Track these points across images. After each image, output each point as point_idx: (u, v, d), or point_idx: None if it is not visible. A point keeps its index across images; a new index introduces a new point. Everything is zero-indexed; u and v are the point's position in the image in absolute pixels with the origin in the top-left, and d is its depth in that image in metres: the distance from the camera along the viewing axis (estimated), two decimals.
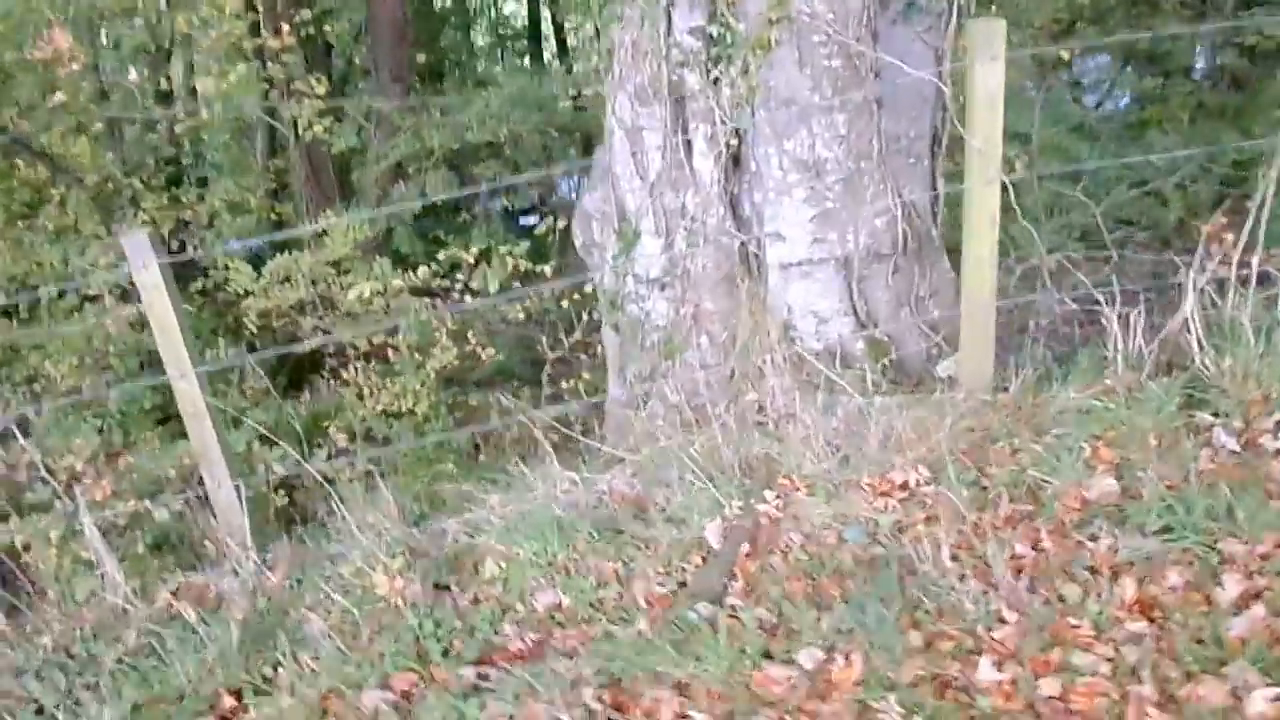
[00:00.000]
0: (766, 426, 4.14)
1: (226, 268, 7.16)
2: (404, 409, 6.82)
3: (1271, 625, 2.43)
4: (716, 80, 4.20)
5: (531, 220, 12.84)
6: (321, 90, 8.05)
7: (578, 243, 5.13)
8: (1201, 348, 3.58)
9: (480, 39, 20.61)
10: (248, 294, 7.34)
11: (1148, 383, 3.56)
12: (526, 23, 20.99)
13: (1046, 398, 3.80)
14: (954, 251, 4.41)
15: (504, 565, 3.57)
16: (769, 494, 3.59)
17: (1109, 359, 3.84)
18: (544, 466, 4.23)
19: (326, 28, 8.51)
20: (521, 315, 7.60)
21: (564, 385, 6.47)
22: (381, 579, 3.49)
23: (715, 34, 4.12)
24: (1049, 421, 3.64)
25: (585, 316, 6.84)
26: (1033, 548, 2.97)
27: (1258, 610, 2.46)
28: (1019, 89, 8.07)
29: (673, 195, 4.35)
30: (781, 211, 4.29)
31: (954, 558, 2.98)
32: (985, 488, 3.33)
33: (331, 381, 7.20)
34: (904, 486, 3.48)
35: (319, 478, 4.34)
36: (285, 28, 8.01)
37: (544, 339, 7.52)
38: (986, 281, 3.87)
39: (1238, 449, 3.14)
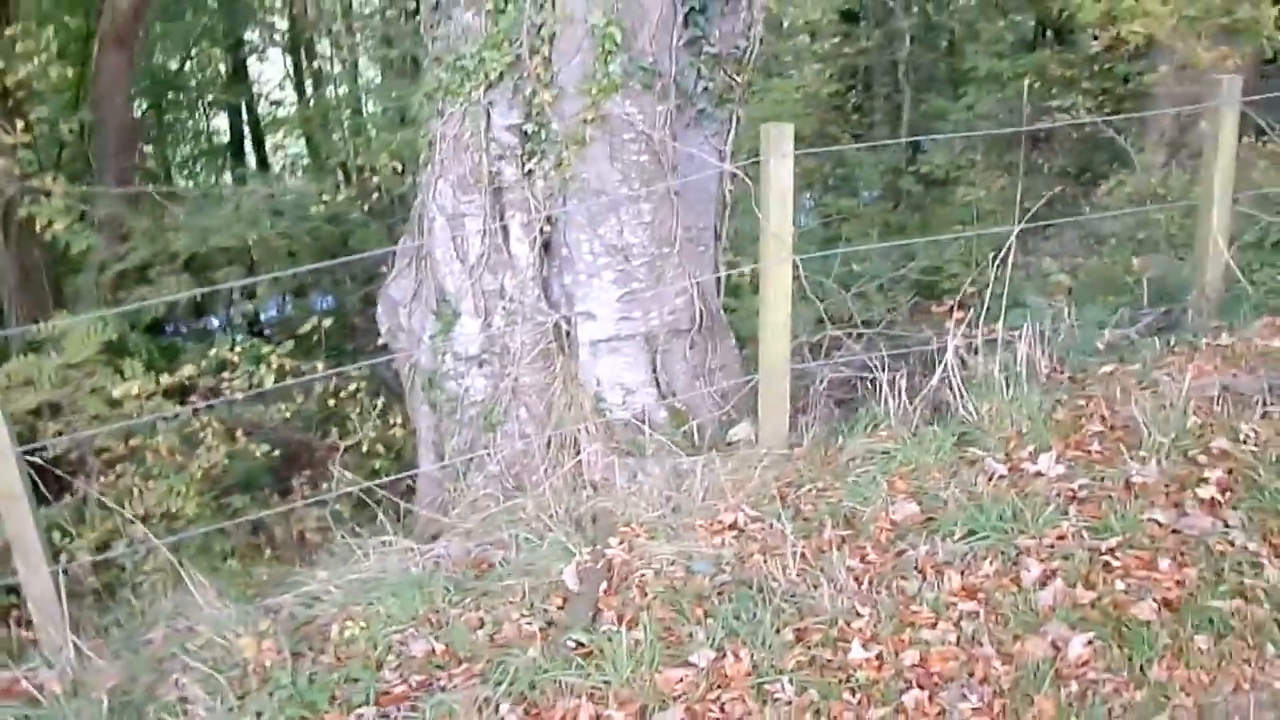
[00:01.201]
0: (587, 489, 4.48)
1: None
2: (171, 510, 6.60)
3: (1070, 594, 3.02)
4: (530, 172, 4.60)
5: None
6: (60, 189, 7.80)
7: (382, 328, 5.33)
8: (961, 398, 4.27)
9: (177, 151, 20.14)
10: None
11: (924, 428, 4.19)
12: (228, 137, 20.72)
13: (836, 448, 4.38)
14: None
15: (364, 624, 3.67)
16: (614, 540, 3.91)
17: (882, 414, 4.48)
18: (371, 538, 4.36)
19: (64, 126, 8.24)
20: (287, 415, 7.57)
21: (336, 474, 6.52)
22: (248, 642, 3.51)
23: (530, 131, 4.54)
24: (844, 467, 4.20)
25: (370, 403, 6.98)
26: (861, 560, 3.46)
27: (1058, 584, 3.05)
28: None
29: (491, 277, 4.68)
30: (592, 292, 4.70)
31: (799, 574, 3.42)
32: (807, 519, 3.80)
33: (83, 488, 6.86)
34: (733, 526, 3.89)
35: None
36: (20, 123, 7.73)
37: (321, 432, 7.55)
38: (782, 348, 4.43)
39: (1005, 473, 3.79)
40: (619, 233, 4.62)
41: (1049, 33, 16.22)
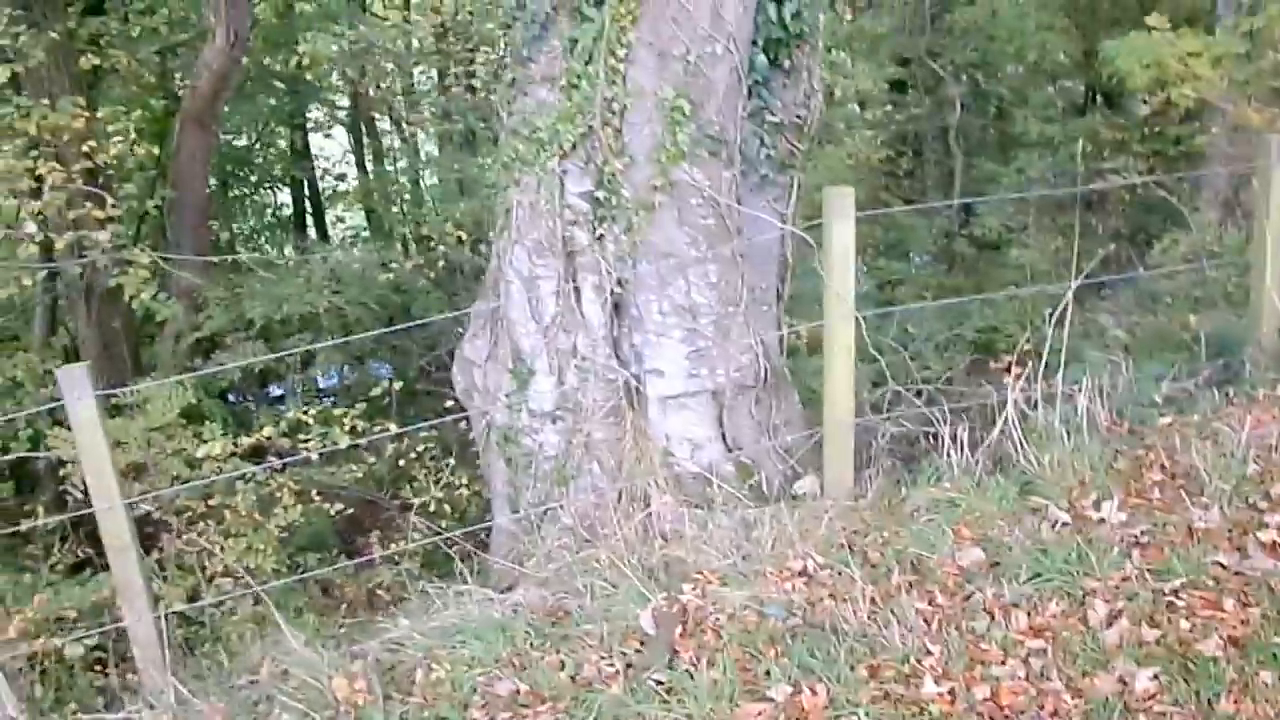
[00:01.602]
0: (657, 539, 4.64)
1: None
2: (249, 566, 6.84)
3: (1135, 632, 3.12)
4: (600, 237, 4.83)
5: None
6: (146, 260, 8.19)
7: (458, 388, 5.55)
8: (1023, 449, 4.39)
9: (244, 224, 20.79)
10: (65, 463, 7.23)
11: (987, 479, 4.32)
12: (291, 210, 21.36)
13: (900, 499, 4.50)
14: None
15: (449, 667, 3.83)
16: (687, 587, 4.06)
17: (945, 467, 4.61)
18: (450, 589, 4.55)
19: (150, 200, 8.67)
20: (359, 475, 7.83)
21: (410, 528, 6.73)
22: (341, 683, 3.69)
23: (601, 198, 4.77)
24: (908, 516, 4.32)
25: (435, 464, 7.20)
26: (930, 603, 3.58)
27: (1123, 623, 3.16)
28: None
29: (565, 337, 4.89)
30: (660, 350, 4.90)
31: (870, 615, 3.54)
32: (875, 565, 3.93)
33: (168, 545, 7.12)
34: (803, 573, 4.03)
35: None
36: (109, 199, 8.15)
37: (391, 493, 7.78)
38: (846, 402, 4.59)
39: (1069, 520, 3.90)
40: (686, 293, 4.82)
41: (1098, 97, 16.45)
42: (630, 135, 4.65)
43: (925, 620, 3.44)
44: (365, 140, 20.57)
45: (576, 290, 4.87)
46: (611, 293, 4.87)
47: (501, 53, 10.22)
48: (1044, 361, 4.94)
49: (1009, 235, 11.13)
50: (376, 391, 7.96)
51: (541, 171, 4.77)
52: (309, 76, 17.71)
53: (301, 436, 7.33)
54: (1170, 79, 7.02)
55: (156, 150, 9.34)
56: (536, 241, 4.84)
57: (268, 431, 7.10)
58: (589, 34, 4.56)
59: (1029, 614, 3.33)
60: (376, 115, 19.49)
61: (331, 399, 11.38)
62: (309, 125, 20.15)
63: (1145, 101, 7.84)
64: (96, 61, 8.90)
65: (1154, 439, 4.35)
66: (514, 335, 4.98)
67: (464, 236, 9.54)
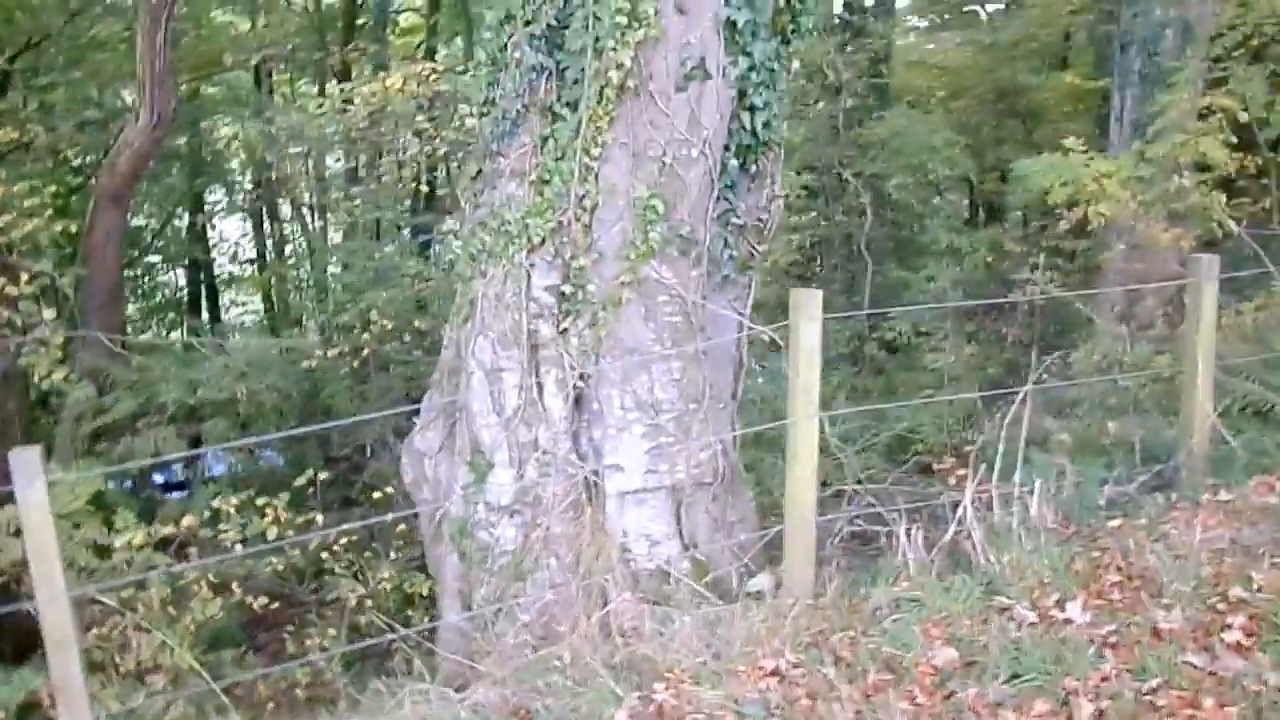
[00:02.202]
0: (615, 637, 4.59)
1: None
2: (165, 663, 6.51)
3: None
4: (564, 331, 4.85)
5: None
6: (59, 339, 7.90)
7: (406, 479, 5.46)
8: (982, 550, 4.49)
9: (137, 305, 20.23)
10: None
11: (950, 577, 4.39)
12: (187, 293, 20.89)
13: (861, 597, 4.55)
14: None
15: None
16: (658, 686, 4.01)
17: (901, 564, 4.68)
18: (408, 686, 4.41)
19: (63, 278, 8.39)
20: (279, 568, 7.57)
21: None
22: None
23: (567, 292, 4.81)
24: (871, 615, 4.36)
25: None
26: (911, 703, 3.60)
27: None
28: None
29: (526, 430, 4.86)
30: (621, 445, 4.90)
31: (854, 716, 3.55)
32: (849, 665, 3.94)
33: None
34: (775, 672, 4.01)
35: None
36: (24, 275, 7.87)
37: (314, 586, 7.53)
38: (807, 500, 4.64)
39: (1036, 620, 3.98)
40: (650, 389, 4.86)
41: (980, 211, 17.24)
42: (600, 232, 4.72)
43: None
44: (267, 225, 20.36)
45: (539, 384, 4.87)
46: (574, 387, 4.88)
47: (424, 144, 10.32)
48: (983, 464, 5.09)
49: (918, 339, 11.46)
50: (301, 481, 7.73)
51: (509, 264, 4.79)
52: (227, 158, 17.57)
53: (223, 526, 7.07)
54: (1086, 197, 7.41)
55: (74, 228, 9.06)
56: (501, 333, 4.83)
57: (188, 521, 6.82)
58: (564, 132, 4.64)
59: (1016, 713, 3.38)
60: (281, 200, 19.33)
61: (231, 487, 10.99)
62: (209, 208, 19.88)
63: (1060, 218, 8.24)
64: (15, 135, 8.66)
65: (1107, 541, 4.49)
66: (474, 427, 4.93)
67: (388, 325, 9.43)
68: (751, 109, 4.61)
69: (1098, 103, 15.90)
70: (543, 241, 4.75)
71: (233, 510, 7.23)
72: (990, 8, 18.73)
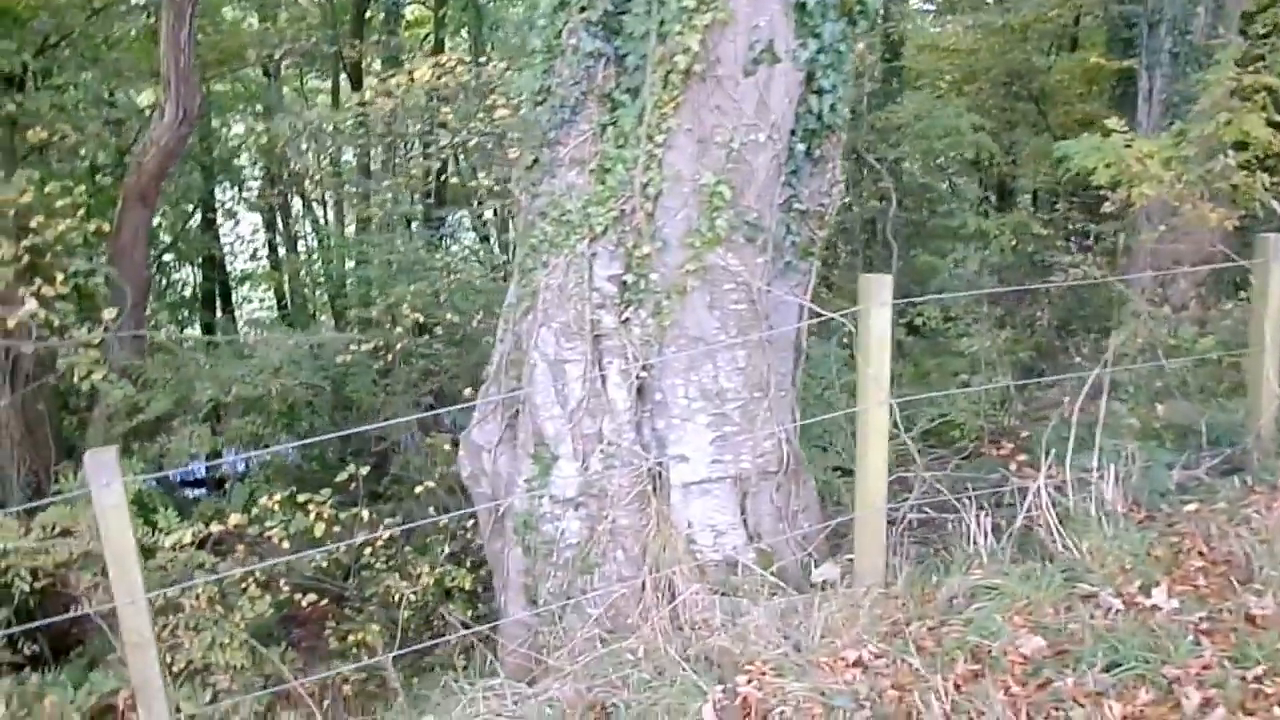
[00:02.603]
0: (686, 629, 4.54)
1: None
2: (216, 662, 6.47)
3: (1234, 718, 3.13)
4: (626, 320, 4.79)
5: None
6: (97, 339, 7.85)
7: (464, 473, 5.41)
8: (1060, 535, 4.43)
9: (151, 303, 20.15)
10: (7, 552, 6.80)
11: (1023, 564, 4.34)
12: (200, 290, 20.80)
13: (933, 586, 4.49)
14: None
15: None
16: (741, 678, 3.96)
17: (972, 551, 4.63)
18: (480, 683, 4.37)
19: (94, 278, 8.32)
20: (324, 564, 7.53)
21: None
22: None
23: (630, 281, 4.75)
24: (947, 604, 4.31)
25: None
26: (1005, 693, 3.55)
27: (1220, 712, 3.17)
28: None
29: (590, 421, 4.81)
30: (685, 435, 4.85)
31: (951, 707, 3.50)
32: (933, 655, 3.89)
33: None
34: (858, 663, 3.97)
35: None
36: (59, 276, 7.81)
37: (357, 582, 7.49)
38: (879, 488, 4.58)
39: (1121, 607, 3.93)
40: (714, 378, 4.80)
41: (992, 194, 17.15)
42: (664, 219, 4.65)
43: (1012, 711, 3.40)
44: (279, 221, 20.29)
45: (602, 375, 4.81)
46: (637, 377, 4.82)
47: (452, 136, 10.24)
48: (1052, 449, 5.03)
49: (946, 325, 11.39)
50: (342, 477, 7.68)
51: (571, 254, 4.73)
52: (238, 154, 17.51)
53: (269, 524, 7.03)
54: (1129, 178, 7.33)
55: (106, 226, 9.00)
56: (564, 324, 4.77)
57: (235, 520, 6.78)
58: (627, 119, 4.58)
59: (1119, 702, 3.33)
60: (294, 195, 19.28)
61: (266, 483, 10.96)
62: (222, 204, 19.82)
63: (1105, 199, 8.17)
64: (45, 135, 8.60)
65: (1185, 526, 4.43)
66: (537, 420, 4.87)
67: (420, 319, 9.37)
68: (819, 92, 4.54)
69: (1112, 83, 15.81)
70: (605, 230, 4.69)
71: (275, 507, 7.19)
72: None
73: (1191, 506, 4.59)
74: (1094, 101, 16.70)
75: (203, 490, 13.04)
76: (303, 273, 17.17)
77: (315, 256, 18.48)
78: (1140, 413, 6.93)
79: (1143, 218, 10.84)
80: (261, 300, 20.79)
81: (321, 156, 15.70)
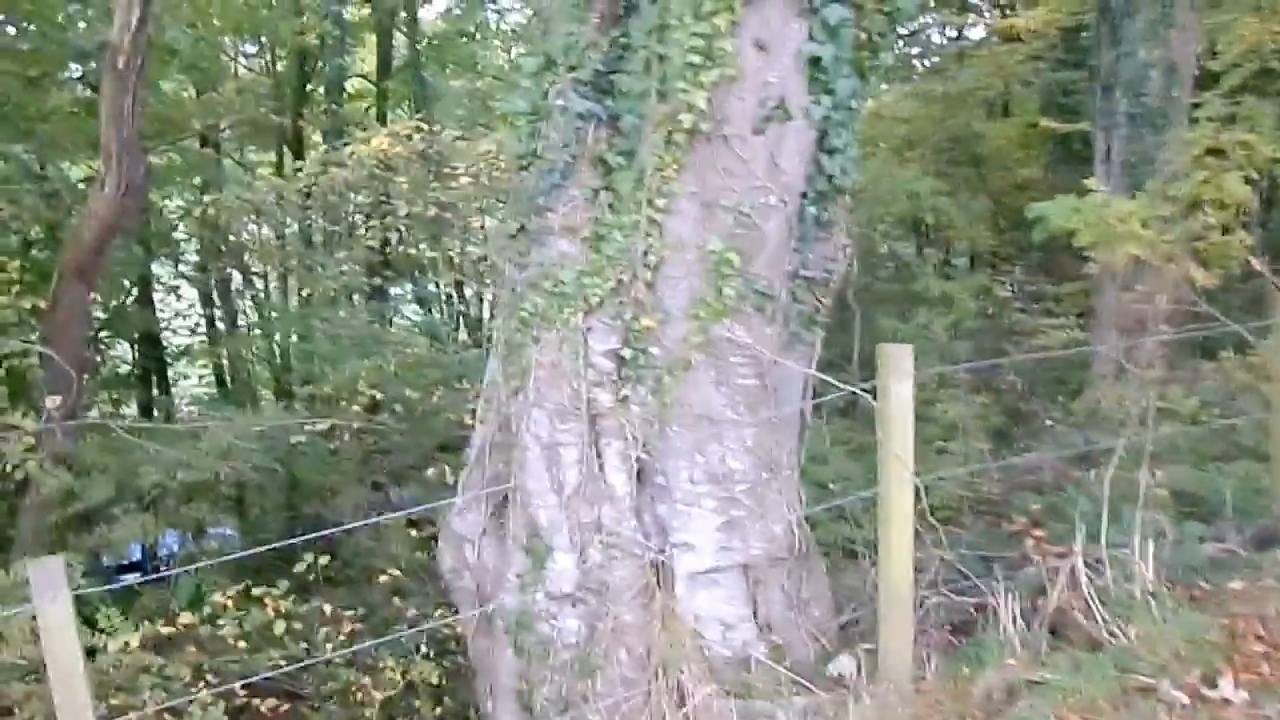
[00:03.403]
0: None
1: None
2: None
3: None
4: (624, 398, 4.44)
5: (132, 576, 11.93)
6: (31, 425, 7.32)
7: (444, 566, 4.99)
8: (1102, 620, 4.11)
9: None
10: None
11: (1070, 654, 4.01)
12: (137, 368, 20.05)
13: (965, 680, 4.15)
14: None
15: None
16: None
17: (1002, 639, 4.30)
18: None
19: (32, 360, 7.80)
20: (283, 664, 6.98)
21: None
22: None
23: (628, 356, 4.40)
24: (987, 700, 3.96)
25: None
26: None
27: None
28: None
29: (587, 509, 4.43)
30: (690, 521, 4.48)
31: None
32: None
33: None
34: None
35: None
36: None
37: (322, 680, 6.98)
38: (904, 576, 4.24)
39: (1187, 702, 3.61)
40: (721, 459, 4.46)
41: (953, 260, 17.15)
42: (665, 290, 4.33)
43: None
44: (216, 296, 19.68)
45: (599, 458, 4.44)
46: (637, 459, 4.46)
47: (411, 207, 9.90)
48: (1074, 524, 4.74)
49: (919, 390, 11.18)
50: (301, 568, 7.18)
51: (564, 328, 4.38)
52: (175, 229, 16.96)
53: (221, 622, 6.51)
54: (1113, 239, 7.17)
55: (42, 303, 8.47)
56: (558, 404, 4.41)
57: (186, 619, 6.26)
58: (624, 183, 4.26)
59: None
60: (233, 269, 18.71)
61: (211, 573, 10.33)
62: (158, 279, 19.19)
63: (1086, 259, 8.02)
64: None
65: (1233, 605, 4.15)
66: (530, 508, 4.48)
67: (378, 397, 8.93)
68: (831, 151, 4.26)
69: (1049, 147, 16.12)
70: (601, 302, 4.35)
71: (229, 604, 6.67)
72: (928, 61, 19.05)
73: (1236, 584, 4.31)
74: (1030, 165, 16.97)
75: (137, 576, 12.34)
76: (245, 350, 16.55)
77: (257, 331, 17.87)
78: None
79: (1106, 279, 10.80)
80: (201, 377, 20.03)
81: (266, 229, 15.20)
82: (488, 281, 10.59)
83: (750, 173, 4.13)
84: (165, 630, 6.11)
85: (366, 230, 11.21)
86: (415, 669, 7.29)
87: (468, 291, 15.07)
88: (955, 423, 9.44)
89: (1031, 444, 10.00)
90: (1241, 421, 6.95)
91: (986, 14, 18.25)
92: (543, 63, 4.52)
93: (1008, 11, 16.56)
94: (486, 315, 14.57)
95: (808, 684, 4.29)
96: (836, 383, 4.45)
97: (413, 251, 12.56)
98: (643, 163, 4.21)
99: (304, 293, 14.17)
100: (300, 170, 10.49)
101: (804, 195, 4.33)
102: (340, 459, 10.25)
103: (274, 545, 8.63)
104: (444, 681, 7.39)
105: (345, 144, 9.62)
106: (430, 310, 15.63)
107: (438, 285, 14.10)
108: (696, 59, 3.95)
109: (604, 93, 4.40)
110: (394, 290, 15.59)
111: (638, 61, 4.20)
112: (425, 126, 9.14)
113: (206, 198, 12.10)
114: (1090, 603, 4.18)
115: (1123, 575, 4.47)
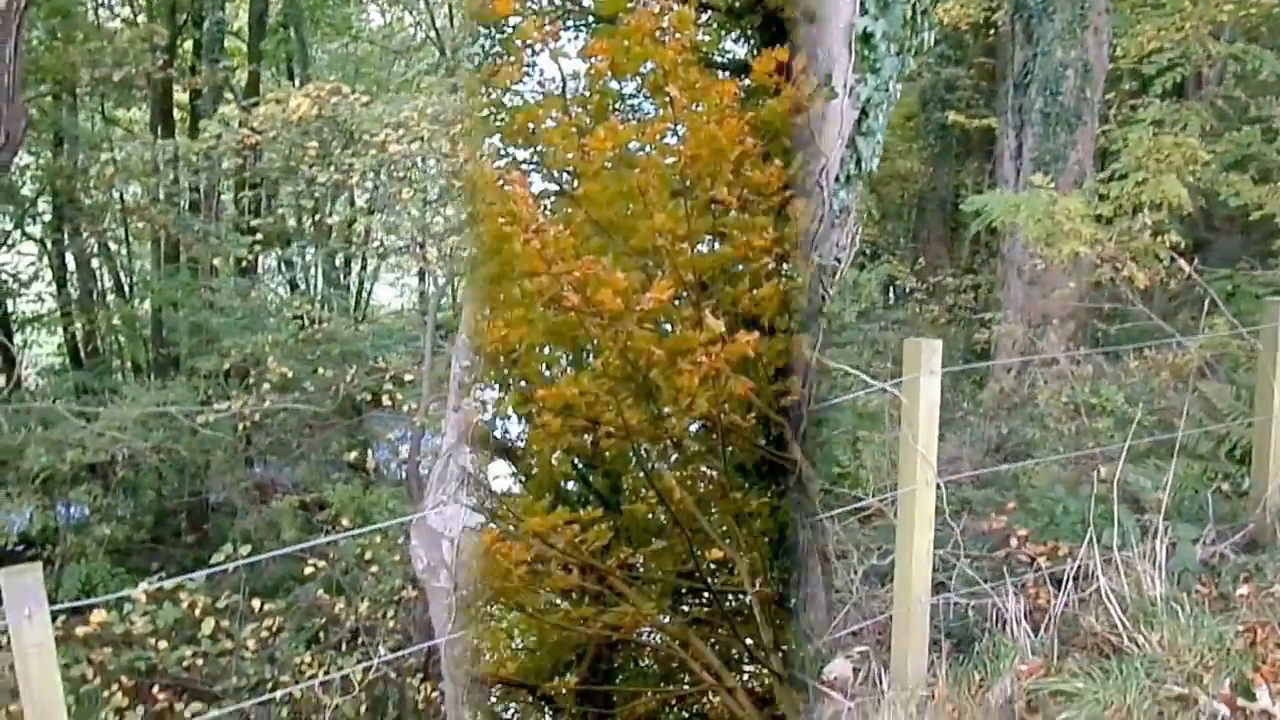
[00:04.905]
0: None
1: None
2: None
3: None
4: None
5: None
6: None
7: (418, 565, 4.64)
8: (1124, 626, 4.03)
9: None
10: None
11: (1086, 658, 3.93)
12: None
13: (979, 688, 4.02)
14: None
15: None
16: None
17: (1011, 643, 4.19)
18: None
19: None
20: (199, 660, 6.48)
21: None
22: None
23: None
24: (1006, 708, 3.85)
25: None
26: None
27: None
28: None
29: None
30: None
31: None
32: None
33: None
34: None
35: None
36: None
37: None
38: (922, 578, 4.08)
39: (1228, 714, 3.55)
40: None
41: None
42: None
43: None
44: (71, 261, 18.34)
45: None
46: None
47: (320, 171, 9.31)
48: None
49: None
50: (220, 558, 6.66)
51: None
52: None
53: (135, 617, 5.98)
54: (1060, 235, 7.22)
55: None
56: None
57: (98, 617, 5.71)
58: None
59: None
60: (90, 233, 17.49)
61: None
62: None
63: (1036, 255, 8.09)
64: None
65: (1246, 612, 4.12)
66: None
67: (288, 374, 8.38)
68: (866, 133, 4.05)
69: (931, 140, 16.62)
70: None
71: (143, 596, 6.13)
72: None
73: (1244, 590, 4.30)
74: (910, 158, 17.35)
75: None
76: (115, 318, 15.43)
77: (131, 300, 16.62)
78: (1072, 474, 6.75)
79: (1012, 273, 11.02)
80: (59, 346, 18.59)
81: (135, 188, 14.20)
82: (418, 261, 10.07)
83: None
84: (81, 631, 5.54)
85: (268, 197, 10.53)
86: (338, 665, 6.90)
87: (368, 264, 14.42)
88: (874, 413, 9.45)
89: (945, 433, 10.05)
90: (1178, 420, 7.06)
91: None
92: None
93: None
94: (430, 289, 13.81)
95: (830, 695, 4.10)
96: (867, 378, 4.26)
97: (312, 220, 11.97)
98: None
99: (184, 259, 13.30)
100: (200, 130, 9.74)
101: (835, 179, 4.11)
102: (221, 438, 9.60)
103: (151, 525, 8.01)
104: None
105: (255, 103, 8.96)
106: (330, 282, 14.95)
107: (335, 256, 13.43)
108: None
109: None
110: (295, 260, 14.84)
111: None
112: (344, 90, 8.58)
113: (104, 157, 11.13)
114: (1109, 607, 4.09)
115: (1126, 578, 4.42)
